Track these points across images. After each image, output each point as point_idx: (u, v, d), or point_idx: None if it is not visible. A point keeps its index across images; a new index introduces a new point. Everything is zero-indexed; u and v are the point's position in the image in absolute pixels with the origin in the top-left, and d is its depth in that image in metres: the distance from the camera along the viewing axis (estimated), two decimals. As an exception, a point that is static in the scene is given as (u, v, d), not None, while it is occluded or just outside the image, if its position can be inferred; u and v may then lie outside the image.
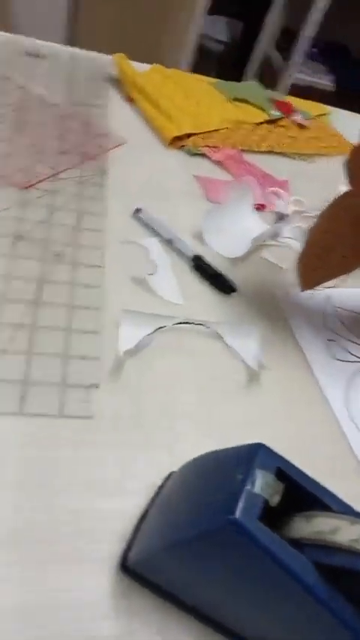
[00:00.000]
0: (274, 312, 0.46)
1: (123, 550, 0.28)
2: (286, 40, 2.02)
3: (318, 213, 0.61)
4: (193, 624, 0.27)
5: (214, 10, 1.79)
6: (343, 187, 0.64)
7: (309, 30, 1.87)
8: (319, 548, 0.22)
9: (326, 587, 0.21)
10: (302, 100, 0.88)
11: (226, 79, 0.86)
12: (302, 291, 0.43)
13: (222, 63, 2.22)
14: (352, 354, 0.45)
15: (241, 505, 0.22)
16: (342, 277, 0.41)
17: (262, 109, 0.78)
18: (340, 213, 0.38)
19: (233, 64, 2.21)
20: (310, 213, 0.61)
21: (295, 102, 0.86)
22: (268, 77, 2.17)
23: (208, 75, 0.85)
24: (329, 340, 0.46)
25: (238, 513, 0.22)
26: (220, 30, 2.22)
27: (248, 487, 0.23)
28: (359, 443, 0.38)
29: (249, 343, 0.41)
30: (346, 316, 0.48)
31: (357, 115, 0.95)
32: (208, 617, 0.27)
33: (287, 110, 0.80)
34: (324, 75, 2.19)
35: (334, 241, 0.38)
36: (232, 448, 0.27)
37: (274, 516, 0.23)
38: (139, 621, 0.27)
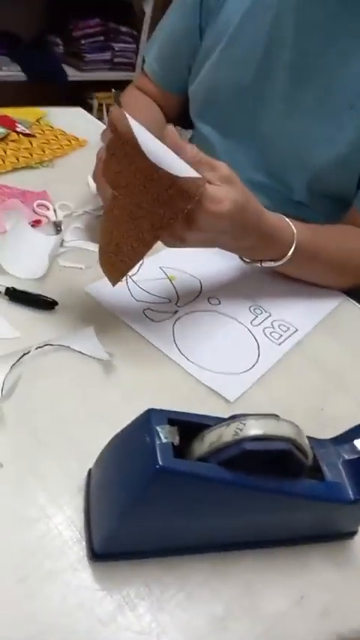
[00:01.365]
0: (92, 306, 0.54)
1: (86, 545, 0.34)
2: None
3: (85, 210, 0.68)
4: (167, 562, 0.35)
5: None
6: (90, 179, 0.72)
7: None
8: (217, 453, 0.32)
9: (235, 474, 0.31)
10: (16, 109, 0.92)
11: None
12: (113, 285, 0.49)
13: None
14: (163, 312, 0.55)
15: (159, 455, 0.30)
16: (139, 262, 0.48)
17: (-13, 129, 0.80)
18: (116, 213, 0.45)
19: None
20: (78, 211, 0.68)
21: (11, 112, 0.89)
22: None
23: None
24: (144, 310, 0.55)
25: (160, 461, 0.30)
26: None
27: (157, 441, 0.31)
28: (197, 372, 0.49)
29: (90, 342, 0.48)
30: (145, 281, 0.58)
31: (67, 108, 1.03)
32: (177, 548, 0.35)
33: (10, 124, 0.83)
34: (9, 65, 2.19)
35: (119, 238, 0.45)
36: (128, 425, 0.34)
37: (182, 450, 0.32)
38: (128, 585, 0.33)
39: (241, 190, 0.47)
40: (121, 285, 0.57)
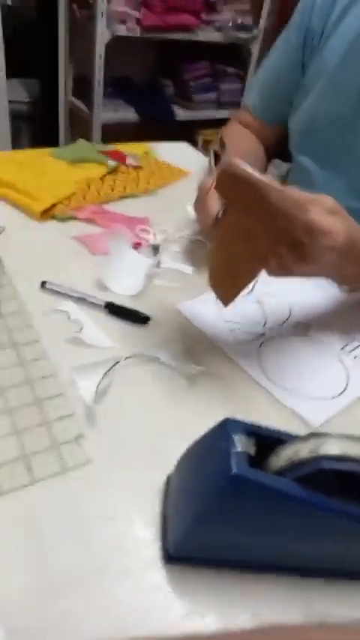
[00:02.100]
0: (183, 323, 0.56)
1: (161, 547, 0.35)
2: (82, 85, 2.17)
3: (182, 235, 0.72)
4: (238, 574, 0.35)
5: (8, 74, 1.88)
6: (189, 207, 0.76)
7: (98, 73, 2.04)
8: (293, 469, 0.31)
9: (311, 493, 0.31)
10: (127, 144, 1.00)
11: (42, 135, 0.94)
12: (226, 307, 0.49)
13: (32, 120, 2.31)
14: (249, 333, 0.56)
15: (234, 462, 0.31)
16: (253, 282, 0.47)
17: (100, 163, 0.88)
18: (228, 232, 0.45)
19: (42, 121, 2.31)
20: (175, 236, 0.72)
21: (122, 147, 0.98)
22: (78, 125, 2.31)
23: (22, 135, 0.92)
24: (230, 330, 0.57)
25: (234, 468, 0.30)
26: (20, 91, 2.31)
27: (233, 449, 0.31)
28: (280, 394, 0.49)
29: (178, 356, 0.50)
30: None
31: (168, 143, 1.09)
32: (249, 563, 0.35)
33: (120, 157, 0.91)
34: (125, 108, 2.38)
35: (233, 257, 0.45)
36: (205, 434, 0.35)
37: (258, 463, 0.32)
38: (198, 592, 0.34)
39: (350, 221, 0.47)
40: (210, 305, 0.59)
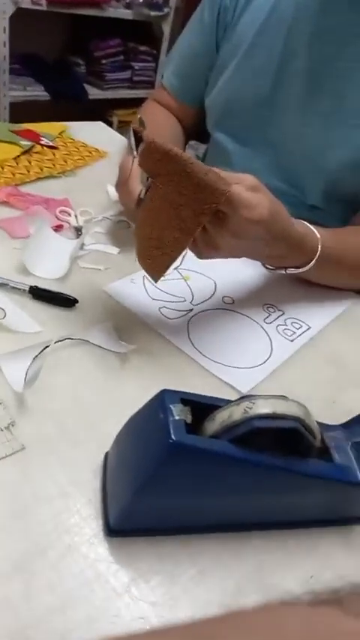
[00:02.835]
0: (111, 304, 0.56)
1: (103, 522, 0.36)
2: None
3: (104, 216, 0.71)
4: (180, 539, 0.36)
5: None
6: (111, 188, 0.75)
7: (3, 48, 1.93)
8: (228, 431, 0.33)
9: (246, 451, 0.32)
10: (40, 124, 0.96)
11: None
12: (156, 282, 0.50)
13: None
14: (178, 310, 0.57)
15: (172, 430, 0.32)
16: (181, 254, 0.48)
17: (13, 143, 0.84)
18: (156, 204, 0.45)
19: None
20: (97, 217, 0.71)
21: (35, 127, 0.94)
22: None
23: None
24: (159, 308, 0.57)
25: (173, 435, 0.31)
26: None
27: (170, 418, 0.32)
28: (210, 365, 0.51)
29: (108, 336, 0.50)
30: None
31: (88, 122, 1.07)
32: (190, 527, 0.37)
33: (34, 137, 0.88)
34: (34, 86, 2.28)
35: (161, 228, 0.46)
36: (142, 407, 0.36)
37: (195, 429, 0.33)
38: (142, 559, 0.35)
39: (272, 197, 0.48)
40: (138, 285, 0.60)
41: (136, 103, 1.92)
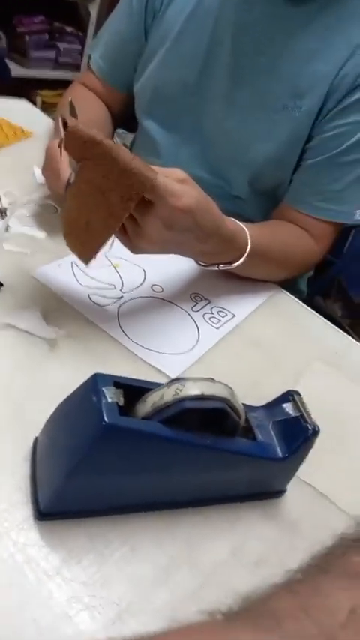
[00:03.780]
0: (38, 289, 0.55)
1: (32, 506, 0.36)
2: None
3: (30, 198, 0.69)
4: (111, 519, 0.37)
5: None
6: (37, 170, 0.73)
7: None
8: (159, 412, 0.34)
9: (176, 431, 0.34)
10: None
11: None
12: (87, 265, 0.50)
13: None
14: (107, 297, 0.57)
15: (105, 412, 0.32)
16: (110, 238, 0.48)
17: None
18: (83, 188, 0.45)
19: None
20: (23, 199, 0.69)
21: None
22: None
23: None
24: (88, 294, 0.57)
25: (106, 418, 0.32)
26: None
27: (103, 401, 0.33)
28: (140, 351, 0.52)
29: (36, 321, 0.49)
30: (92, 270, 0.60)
31: (12, 99, 1.02)
32: (121, 507, 0.37)
33: None
34: None
35: (89, 212, 0.46)
36: (74, 391, 0.36)
37: (127, 412, 0.34)
38: (72, 541, 0.35)
39: (200, 190, 0.49)
40: (66, 270, 0.59)
41: (62, 84, 1.85)
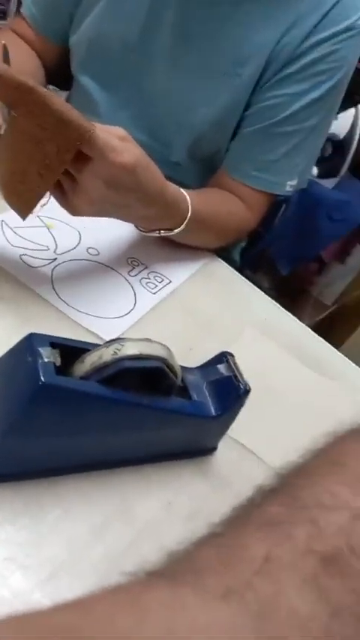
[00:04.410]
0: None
1: None
2: None
3: None
4: (46, 482, 0.36)
5: None
6: None
7: None
8: (98, 372, 0.34)
9: (113, 390, 0.34)
10: None
11: None
12: (24, 219, 0.47)
13: None
14: (41, 259, 0.55)
15: (41, 372, 0.31)
16: (48, 191, 0.46)
17: None
18: (18, 137, 0.43)
19: None
20: None
21: None
22: None
23: None
24: (20, 255, 0.55)
25: (42, 377, 0.31)
26: None
27: (39, 361, 0.32)
28: (75, 315, 0.51)
29: None
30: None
31: None
32: (57, 469, 0.37)
33: None
34: None
35: (24, 163, 0.43)
36: (8, 351, 0.35)
37: (64, 372, 0.34)
38: (6, 505, 0.34)
39: (141, 150, 0.48)
40: (-3, 229, 0.56)
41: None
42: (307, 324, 0.66)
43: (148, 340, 0.35)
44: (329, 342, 0.64)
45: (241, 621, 0.17)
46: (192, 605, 0.17)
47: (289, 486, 0.23)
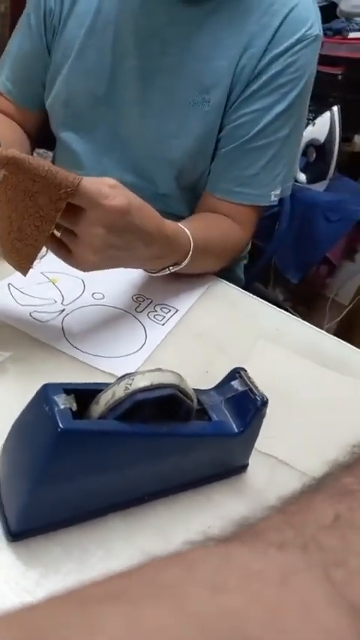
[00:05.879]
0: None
1: (2, 528, 0.35)
2: None
3: None
4: (83, 526, 0.37)
5: None
6: None
7: None
8: (113, 410, 0.35)
9: (131, 424, 0.35)
10: None
11: None
12: (25, 275, 0.49)
13: None
14: (49, 312, 0.58)
15: (59, 419, 0.33)
16: (44, 243, 0.47)
17: None
18: (10, 195, 0.45)
19: None
20: None
21: None
22: None
23: None
24: (30, 313, 0.57)
25: (61, 424, 0.32)
26: None
27: (55, 408, 0.33)
28: (89, 359, 0.52)
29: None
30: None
31: None
32: (91, 511, 0.38)
33: None
34: None
35: (20, 220, 0.45)
36: (27, 405, 0.36)
37: (81, 415, 0.35)
38: (48, 554, 0.35)
39: (132, 194, 0.50)
40: (3, 292, 0.59)
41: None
42: (328, 327, 0.67)
43: (159, 370, 0.36)
44: (351, 341, 0.64)
45: (302, 566, 0.15)
46: (241, 555, 0.16)
47: None
